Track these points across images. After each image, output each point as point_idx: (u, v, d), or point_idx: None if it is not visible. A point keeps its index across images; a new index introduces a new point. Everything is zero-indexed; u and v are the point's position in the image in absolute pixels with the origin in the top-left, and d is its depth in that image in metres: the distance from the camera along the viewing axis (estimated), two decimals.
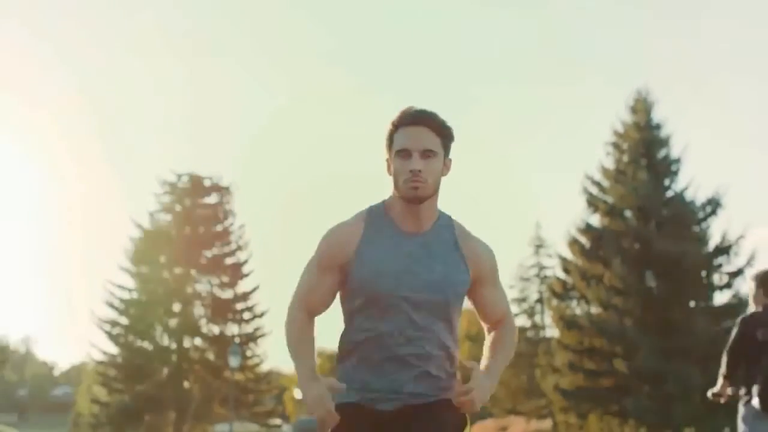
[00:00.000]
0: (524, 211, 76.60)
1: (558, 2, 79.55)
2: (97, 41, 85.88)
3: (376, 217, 2.97)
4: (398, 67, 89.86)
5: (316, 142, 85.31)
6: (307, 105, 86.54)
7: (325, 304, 3.00)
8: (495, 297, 3.05)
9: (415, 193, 2.86)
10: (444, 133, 2.92)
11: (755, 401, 5.78)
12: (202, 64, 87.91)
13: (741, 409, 5.95)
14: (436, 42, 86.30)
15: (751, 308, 6.14)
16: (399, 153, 2.89)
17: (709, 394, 6.11)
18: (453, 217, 3.04)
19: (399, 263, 2.88)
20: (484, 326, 3.11)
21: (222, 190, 36.85)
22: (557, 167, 76.32)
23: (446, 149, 2.94)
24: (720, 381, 6.05)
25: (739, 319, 6.02)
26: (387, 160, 2.97)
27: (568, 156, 75.66)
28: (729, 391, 6.00)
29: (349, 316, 2.96)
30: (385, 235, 2.93)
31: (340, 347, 3.00)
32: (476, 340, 53.02)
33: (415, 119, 2.90)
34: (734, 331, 5.96)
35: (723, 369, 6.00)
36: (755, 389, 5.80)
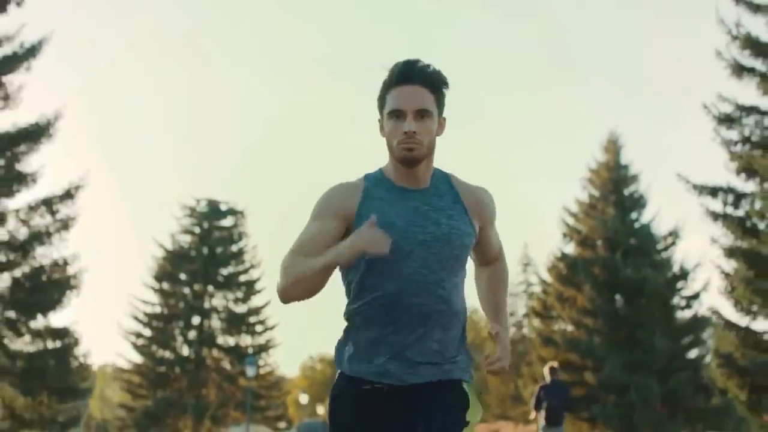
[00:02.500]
0: (518, 223, 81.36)
1: (558, 6, 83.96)
2: (96, 45, 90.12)
3: (374, 177, 3.01)
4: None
5: (318, 149, 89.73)
6: (307, 111, 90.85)
7: (324, 250, 2.87)
8: (493, 238, 3.16)
9: (410, 154, 2.87)
10: (438, 89, 2.93)
11: (542, 422, 12.71)
12: (201, 68, 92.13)
13: (539, 425, 12.58)
14: (436, 46, 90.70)
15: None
16: (392, 114, 2.89)
17: (530, 417, 12.79)
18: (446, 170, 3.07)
19: (404, 216, 2.90)
20: (475, 262, 3.27)
21: (237, 214, 42.33)
22: (553, 175, 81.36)
23: (440, 106, 2.95)
24: (533, 412, 12.96)
25: (538, 386, 12.48)
26: (379, 121, 2.97)
27: (565, 164, 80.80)
28: (537, 417, 12.34)
29: (353, 277, 2.97)
30: (387, 190, 2.96)
31: (347, 318, 3.00)
32: (471, 348, 58.35)
33: (408, 77, 2.90)
34: (535, 391, 12.36)
35: (532, 406, 12.51)
36: (542, 415, 12.71)
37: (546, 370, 13.87)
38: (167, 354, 40.45)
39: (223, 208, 42.17)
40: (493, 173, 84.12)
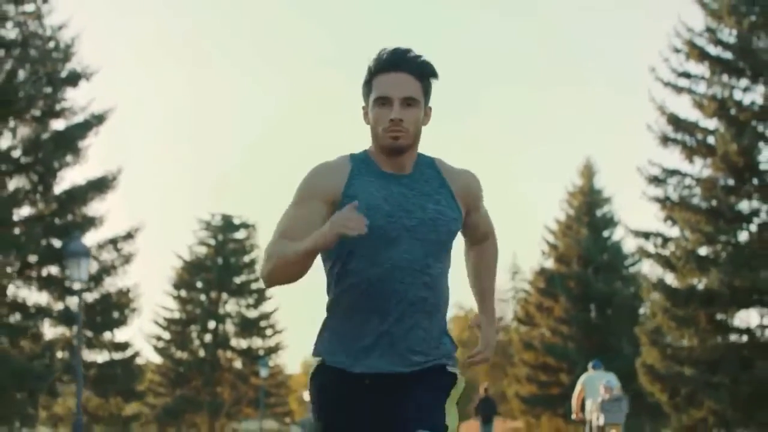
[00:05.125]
0: (512, 225, 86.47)
1: (557, 6, 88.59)
2: (96, 46, 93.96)
3: (360, 159, 3.05)
4: None
5: (317, 149, 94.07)
6: (308, 112, 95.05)
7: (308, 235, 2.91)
8: (482, 219, 3.21)
9: (395, 143, 2.94)
10: (425, 78, 3.01)
11: (480, 424, 19.71)
12: (202, 70, 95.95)
13: (479, 425, 19.27)
14: (436, 45, 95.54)
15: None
16: (377, 101, 2.96)
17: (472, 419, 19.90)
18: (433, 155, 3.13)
19: (391, 200, 2.96)
20: (465, 242, 3.29)
21: (249, 227, 48.56)
22: (549, 176, 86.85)
23: (427, 96, 3.02)
24: (474, 415, 19.22)
25: (478, 399, 19.10)
26: (363, 108, 3.04)
27: (562, 165, 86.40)
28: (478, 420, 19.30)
29: (335, 263, 3.02)
30: (373, 174, 3.01)
31: (328, 306, 3.05)
32: (468, 345, 64.42)
33: (395, 65, 2.97)
34: (476, 402, 19.07)
35: (473, 414, 19.20)
36: (480, 419, 19.95)
37: (482, 389, 21.94)
38: (185, 355, 46.17)
39: (236, 221, 48.34)
40: (489, 174, 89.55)
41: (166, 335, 46.52)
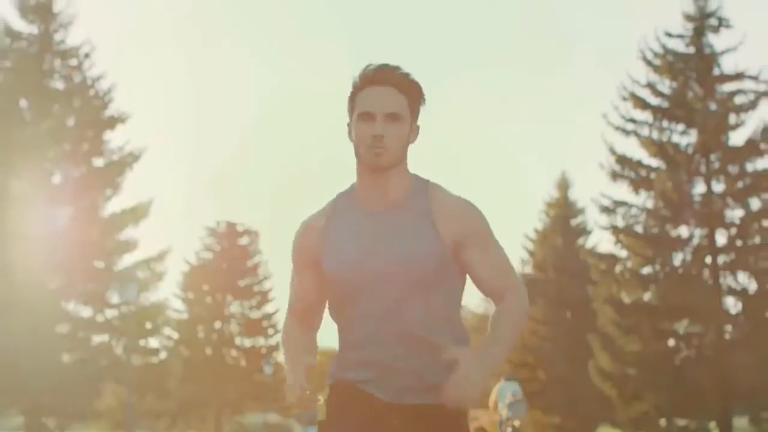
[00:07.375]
0: (510, 215, 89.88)
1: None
2: (97, 30, 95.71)
3: (342, 201, 3.13)
4: (392, 56, 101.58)
5: (321, 134, 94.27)
6: (308, 95, 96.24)
7: (313, 307, 3.26)
8: (484, 262, 3.06)
9: (377, 160, 2.98)
10: (411, 94, 3.03)
11: None
12: (205, 53, 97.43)
13: None
14: (429, 27, 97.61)
15: None
16: (361, 116, 2.99)
17: None
18: (431, 180, 3.12)
19: (361, 246, 3.03)
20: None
21: (251, 234, 54.24)
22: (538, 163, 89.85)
23: (414, 112, 3.05)
24: None
25: None
26: (348, 125, 3.07)
27: (551, 152, 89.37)
28: None
29: (332, 316, 3.22)
30: (349, 219, 3.08)
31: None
32: None
33: (378, 78, 3.00)
34: None
35: None
36: None
37: None
38: (193, 354, 51.04)
39: (240, 228, 54.07)
40: (475, 160, 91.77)
41: (175, 335, 51.85)
